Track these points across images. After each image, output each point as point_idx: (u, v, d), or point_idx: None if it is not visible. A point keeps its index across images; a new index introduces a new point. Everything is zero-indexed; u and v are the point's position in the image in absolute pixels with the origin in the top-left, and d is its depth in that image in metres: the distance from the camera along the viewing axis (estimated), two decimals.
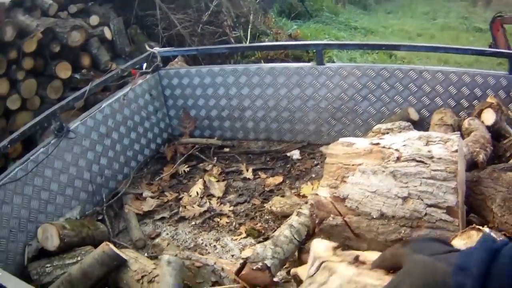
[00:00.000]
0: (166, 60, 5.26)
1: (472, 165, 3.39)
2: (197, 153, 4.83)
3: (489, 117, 3.99)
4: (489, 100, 4.24)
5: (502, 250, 1.21)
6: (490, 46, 15.69)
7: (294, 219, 3.20)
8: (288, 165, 4.62)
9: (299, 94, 4.80)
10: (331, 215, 2.93)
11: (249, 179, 4.40)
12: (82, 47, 6.49)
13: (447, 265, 1.23)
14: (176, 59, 5.44)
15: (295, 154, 4.77)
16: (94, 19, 6.95)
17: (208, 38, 8.44)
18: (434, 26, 21.33)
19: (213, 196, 4.14)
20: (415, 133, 3.02)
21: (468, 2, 31.60)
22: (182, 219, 3.87)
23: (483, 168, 3.24)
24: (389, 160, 2.79)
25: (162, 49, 5.21)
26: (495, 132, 3.99)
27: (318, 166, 4.56)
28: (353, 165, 2.98)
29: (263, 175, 4.44)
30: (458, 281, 1.18)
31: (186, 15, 8.28)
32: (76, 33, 6.26)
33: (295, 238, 3.14)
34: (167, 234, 3.70)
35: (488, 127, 3.95)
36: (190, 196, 4.13)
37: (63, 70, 6.12)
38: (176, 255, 3.13)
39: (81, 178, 3.95)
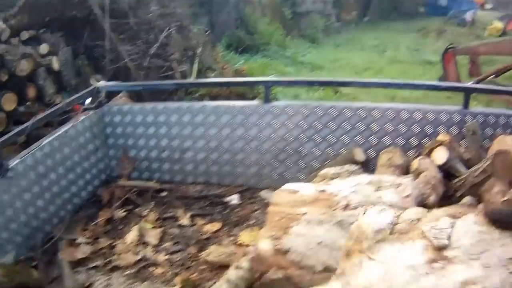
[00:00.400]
0: (111, 94, 5.19)
1: (423, 207, 3.31)
2: (134, 197, 4.73)
3: (440, 156, 4.01)
4: (440, 137, 4.26)
5: None
6: (439, 79, 16.09)
7: (232, 274, 3.11)
8: (226, 211, 4.56)
9: (242, 134, 4.76)
10: (273, 268, 2.88)
11: (186, 225, 4.33)
12: (28, 78, 6.36)
13: None
14: (121, 94, 5.36)
15: (235, 198, 4.72)
16: (44, 48, 6.84)
17: (154, 72, 8.42)
18: (383, 59, 21.60)
19: (148, 244, 4.04)
20: (365, 178, 3.08)
21: (419, 34, 32.24)
22: (116, 268, 3.76)
23: None
24: (336, 209, 2.79)
25: (107, 83, 5.13)
26: (446, 171, 4.00)
27: (258, 211, 4.50)
28: (297, 214, 2.96)
29: (200, 221, 4.37)
30: None
31: (134, 46, 8.25)
32: (25, 62, 6.20)
33: None
34: (100, 283, 3.60)
35: (439, 166, 3.96)
36: (125, 243, 4.04)
37: (9, 102, 6.01)
38: None
39: (17, 220, 3.80)
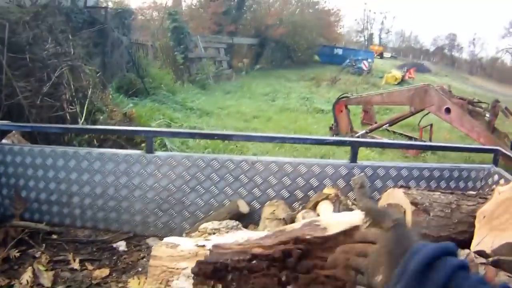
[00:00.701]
0: (3, 132, 5.12)
1: None
2: (26, 237, 4.72)
3: (325, 210, 4.11)
4: (326, 191, 4.41)
5: None
6: (331, 128, 16.59)
7: None
8: (114, 257, 4.62)
9: (126, 182, 4.84)
10: None
11: (76, 269, 4.36)
12: None
13: None
14: (13, 132, 5.41)
15: (121, 245, 4.79)
16: None
17: (46, 111, 8.41)
18: (272, 107, 22.00)
19: (43, 286, 4.07)
20: (243, 234, 3.10)
21: (312, 82, 32.82)
22: None
23: None
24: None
25: (1, 122, 5.12)
26: None
27: (145, 259, 4.58)
28: (177, 268, 3.05)
29: (90, 266, 4.42)
30: None
31: (29, 84, 8.23)
32: None
33: None
34: None
35: None
36: (21, 283, 4.05)
37: None
38: None
39: None
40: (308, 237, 2.39)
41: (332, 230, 2.38)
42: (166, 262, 3.14)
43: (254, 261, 2.47)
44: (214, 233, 3.78)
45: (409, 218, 3.78)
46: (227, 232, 3.78)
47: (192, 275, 2.69)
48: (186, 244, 3.25)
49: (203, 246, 3.16)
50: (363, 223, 2.34)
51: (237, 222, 4.10)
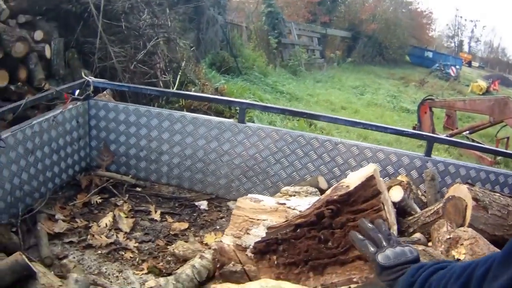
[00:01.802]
0: (97, 90, 5.32)
1: None
2: (110, 187, 4.92)
3: (396, 194, 4.18)
4: (399, 178, 4.49)
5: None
6: (414, 128, 16.29)
7: (196, 261, 3.39)
8: (195, 214, 4.76)
9: (216, 147, 4.97)
10: (232, 262, 3.16)
11: (156, 220, 4.52)
12: (21, 60, 6.47)
13: None
14: (105, 92, 5.54)
15: (203, 204, 4.92)
16: (38, 34, 6.95)
17: (139, 77, 8.56)
18: (360, 101, 21.79)
19: (121, 230, 4.24)
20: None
21: (401, 81, 32.38)
22: (89, 246, 3.94)
23: None
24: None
25: (96, 79, 5.27)
26: (401, 209, 4.19)
27: (223, 219, 4.71)
28: (258, 219, 3.22)
29: (170, 219, 4.57)
30: None
31: (123, 49, 8.38)
32: (21, 45, 6.29)
33: (195, 278, 3.34)
34: (74, 257, 3.77)
35: (394, 203, 4.11)
36: (99, 226, 4.22)
37: (1, 79, 6.11)
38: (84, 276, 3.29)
39: (2, 187, 3.97)
40: (335, 197, 2.58)
41: (353, 185, 2.57)
42: (248, 213, 3.30)
43: (298, 230, 2.69)
44: (294, 195, 3.89)
45: (469, 212, 3.81)
46: (306, 196, 3.91)
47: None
48: (268, 200, 3.42)
49: (284, 204, 3.30)
50: (376, 173, 2.60)
51: (316, 189, 4.19)
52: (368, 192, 2.54)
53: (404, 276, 1.87)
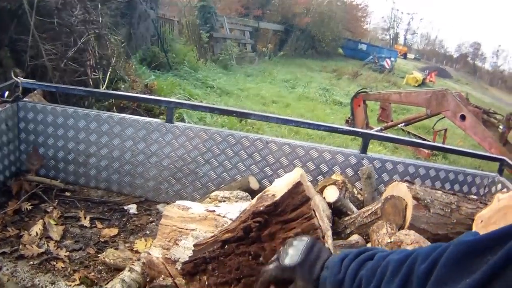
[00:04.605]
0: (27, 90, 5.28)
1: None
2: (40, 192, 4.85)
3: (332, 194, 4.24)
4: (334, 177, 4.54)
5: None
6: (347, 121, 16.58)
7: (126, 274, 3.34)
8: (124, 218, 4.75)
9: (143, 148, 4.97)
10: (162, 275, 3.18)
11: (86, 226, 4.48)
12: None
13: None
14: (35, 91, 5.47)
15: (132, 208, 4.92)
16: None
17: (69, 75, 8.50)
18: (292, 94, 22.01)
19: (51, 239, 4.18)
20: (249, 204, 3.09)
21: (333, 74, 32.70)
22: (22, 257, 3.88)
23: None
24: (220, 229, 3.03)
25: (25, 80, 5.18)
26: (337, 209, 4.26)
27: (153, 223, 4.71)
28: (186, 229, 3.21)
29: (99, 225, 4.54)
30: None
31: (54, 47, 8.31)
32: None
33: None
34: (8, 269, 3.71)
35: (329, 204, 4.19)
36: (30, 235, 4.16)
37: None
38: None
39: None
40: (261, 208, 2.50)
41: (279, 194, 2.50)
42: (176, 222, 3.29)
43: (226, 246, 2.63)
44: (224, 201, 3.89)
45: (410, 211, 3.90)
46: (236, 201, 3.91)
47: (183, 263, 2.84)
48: (197, 208, 3.39)
49: (213, 211, 3.29)
50: (303, 178, 2.55)
51: (246, 193, 4.19)
52: (296, 199, 2.50)
53: (327, 273, 1.83)
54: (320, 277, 1.86)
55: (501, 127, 13.91)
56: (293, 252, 2.02)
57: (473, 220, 4.00)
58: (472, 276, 1.13)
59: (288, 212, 2.49)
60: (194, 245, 2.85)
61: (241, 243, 2.57)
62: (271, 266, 2.08)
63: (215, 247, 2.67)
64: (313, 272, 1.89)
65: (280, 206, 2.49)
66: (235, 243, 2.60)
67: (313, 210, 2.52)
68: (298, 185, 2.51)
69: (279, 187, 2.57)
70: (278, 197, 2.50)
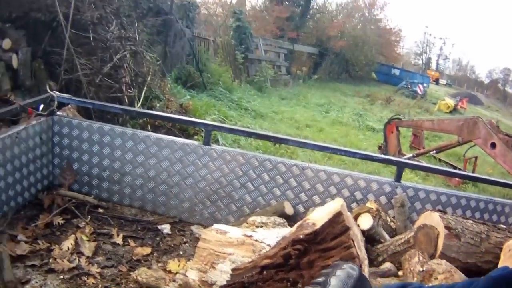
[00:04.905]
0: (61, 104, 5.26)
1: None
2: (72, 207, 4.83)
3: (366, 221, 4.20)
4: (368, 204, 4.49)
5: None
6: (379, 147, 16.42)
7: None
8: (157, 238, 4.70)
9: (180, 169, 4.93)
10: None
11: (118, 244, 4.45)
12: None
13: None
14: (70, 106, 5.47)
15: (166, 228, 4.87)
16: (7, 43, 6.78)
17: (104, 91, 8.46)
18: (325, 119, 21.88)
19: (83, 254, 4.14)
20: (289, 231, 3.09)
21: (366, 99, 32.60)
22: (52, 270, 3.84)
23: None
24: (259, 254, 2.98)
25: (61, 94, 5.23)
26: (370, 237, 4.22)
27: (187, 244, 4.67)
28: (224, 253, 3.18)
29: (132, 243, 4.51)
30: None
31: (89, 62, 8.29)
32: None
33: None
34: (37, 282, 3.68)
35: (363, 231, 4.12)
36: (61, 249, 4.13)
37: None
38: None
39: None
40: (301, 236, 2.55)
41: (320, 223, 2.54)
42: (214, 246, 3.26)
43: (264, 272, 2.64)
44: (261, 226, 3.87)
45: (441, 241, 3.86)
46: (274, 227, 3.86)
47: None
48: (235, 232, 3.38)
49: (250, 236, 3.27)
50: (343, 208, 2.60)
51: (283, 219, 4.18)
52: (336, 229, 2.52)
53: None
54: None
55: None
56: (337, 284, 1.94)
57: (501, 249, 3.96)
58: None
59: (327, 241, 2.52)
60: (232, 270, 2.82)
61: (280, 270, 2.58)
62: None
63: (253, 272, 2.68)
64: None
65: (320, 234, 2.54)
66: (274, 269, 2.61)
67: (352, 240, 2.55)
68: (338, 214, 2.55)
69: (319, 216, 2.61)
70: (318, 226, 2.55)
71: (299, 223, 2.72)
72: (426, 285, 1.87)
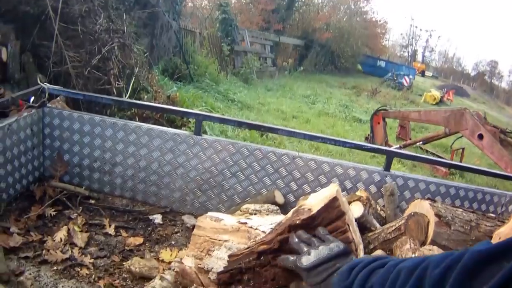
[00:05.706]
0: (50, 96, 5.21)
1: None
2: (64, 199, 4.82)
3: (356, 210, 4.14)
4: (358, 193, 4.47)
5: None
6: (366, 138, 16.54)
7: (157, 283, 3.34)
8: (149, 228, 4.71)
9: (170, 159, 4.93)
10: (194, 284, 3.15)
11: (110, 234, 4.45)
12: None
13: None
14: (58, 97, 5.46)
15: (157, 218, 4.87)
16: None
17: (93, 83, 8.48)
18: (311, 110, 22.00)
19: (76, 245, 4.15)
20: (282, 218, 3.11)
21: (353, 91, 32.74)
22: (45, 262, 3.85)
23: None
24: (254, 241, 3.01)
25: (51, 86, 5.15)
26: (361, 225, 4.13)
27: (178, 234, 4.69)
28: (219, 240, 3.20)
29: (124, 234, 4.51)
30: None
31: (78, 55, 8.30)
32: None
33: None
34: (30, 274, 3.68)
35: (354, 219, 4.18)
36: (54, 241, 4.13)
37: None
38: None
39: None
40: (298, 221, 2.54)
41: (316, 208, 2.55)
42: (209, 233, 3.29)
43: (261, 258, 2.66)
44: (255, 214, 3.87)
45: (432, 228, 3.90)
46: (267, 214, 3.88)
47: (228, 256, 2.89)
48: (229, 220, 3.40)
49: (245, 223, 3.29)
50: (339, 193, 2.62)
51: (277, 207, 4.15)
52: (332, 214, 2.54)
53: (335, 279, 1.83)
54: (326, 279, 1.90)
55: None
56: (313, 256, 2.06)
57: (491, 237, 3.99)
58: (491, 281, 1.16)
59: (323, 226, 2.50)
60: (229, 256, 2.85)
61: (277, 255, 2.56)
62: (291, 258, 2.19)
63: (251, 258, 2.70)
64: (320, 276, 1.93)
65: (316, 219, 2.54)
66: (271, 254, 2.62)
67: (348, 224, 2.57)
68: (334, 200, 2.56)
69: (315, 201, 2.61)
70: (314, 211, 2.54)
71: (294, 208, 2.73)
72: (398, 258, 1.91)
